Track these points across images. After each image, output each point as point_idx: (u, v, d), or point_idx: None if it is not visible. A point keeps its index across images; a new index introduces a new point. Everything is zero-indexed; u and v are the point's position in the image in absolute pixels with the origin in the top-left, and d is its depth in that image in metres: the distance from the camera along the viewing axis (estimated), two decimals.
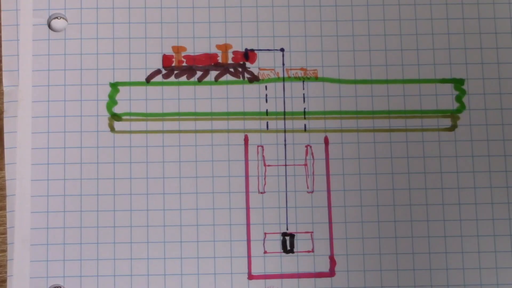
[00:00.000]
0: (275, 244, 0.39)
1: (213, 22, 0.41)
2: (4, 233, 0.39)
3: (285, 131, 0.40)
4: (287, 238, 0.39)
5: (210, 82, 0.40)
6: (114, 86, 0.40)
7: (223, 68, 0.41)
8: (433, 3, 0.41)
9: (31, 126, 0.40)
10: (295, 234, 0.39)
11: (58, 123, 0.40)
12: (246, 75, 0.40)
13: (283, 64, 0.41)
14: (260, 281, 0.39)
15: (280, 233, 0.39)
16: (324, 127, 0.40)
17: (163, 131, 0.40)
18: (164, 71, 0.40)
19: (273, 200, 0.40)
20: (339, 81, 0.40)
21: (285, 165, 0.40)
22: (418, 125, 0.40)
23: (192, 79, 0.40)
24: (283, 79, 0.40)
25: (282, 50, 0.41)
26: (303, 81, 0.40)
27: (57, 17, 0.41)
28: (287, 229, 0.39)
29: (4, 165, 0.39)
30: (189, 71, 0.40)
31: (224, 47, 0.41)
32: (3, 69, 0.40)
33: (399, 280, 0.39)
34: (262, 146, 0.40)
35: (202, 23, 0.41)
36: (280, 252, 0.39)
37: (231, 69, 0.41)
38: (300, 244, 0.39)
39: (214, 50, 0.41)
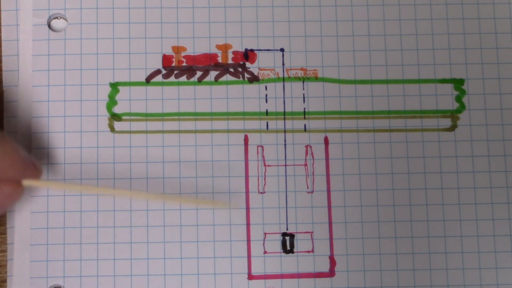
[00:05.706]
0: (275, 244, 0.39)
1: (213, 22, 0.41)
2: (4, 233, 0.39)
3: (285, 131, 0.40)
4: (287, 238, 0.39)
5: (210, 82, 0.40)
6: (114, 86, 0.40)
7: (223, 68, 0.40)
8: (433, 3, 0.41)
9: (31, 126, 0.39)
10: (295, 234, 0.39)
11: (58, 123, 0.40)
12: (246, 75, 0.40)
13: (283, 64, 0.41)
14: (260, 281, 0.39)
15: (280, 233, 0.39)
16: (324, 127, 0.40)
17: (163, 131, 0.40)
18: (164, 71, 0.40)
19: (273, 200, 0.39)
20: (339, 81, 0.40)
21: (285, 165, 0.40)
22: (418, 125, 0.40)
23: (192, 79, 0.40)
24: (283, 79, 0.40)
25: (282, 50, 0.41)
26: (303, 81, 0.40)
27: (57, 17, 0.41)
28: (287, 229, 0.39)
29: None
30: (189, 71, 0.40)
31: (224, 47, 0.41)
32: (3, 69, 0.40)
33: (399, 280, 0.39)
34: (262, 146, 0.40)
35: (202, 23, 0.41)
36: (280, 252, 0.39)
37: (231, 69, 0.41)
38: (300, 244, 0.39)
39: (214, 50, 0.41)
